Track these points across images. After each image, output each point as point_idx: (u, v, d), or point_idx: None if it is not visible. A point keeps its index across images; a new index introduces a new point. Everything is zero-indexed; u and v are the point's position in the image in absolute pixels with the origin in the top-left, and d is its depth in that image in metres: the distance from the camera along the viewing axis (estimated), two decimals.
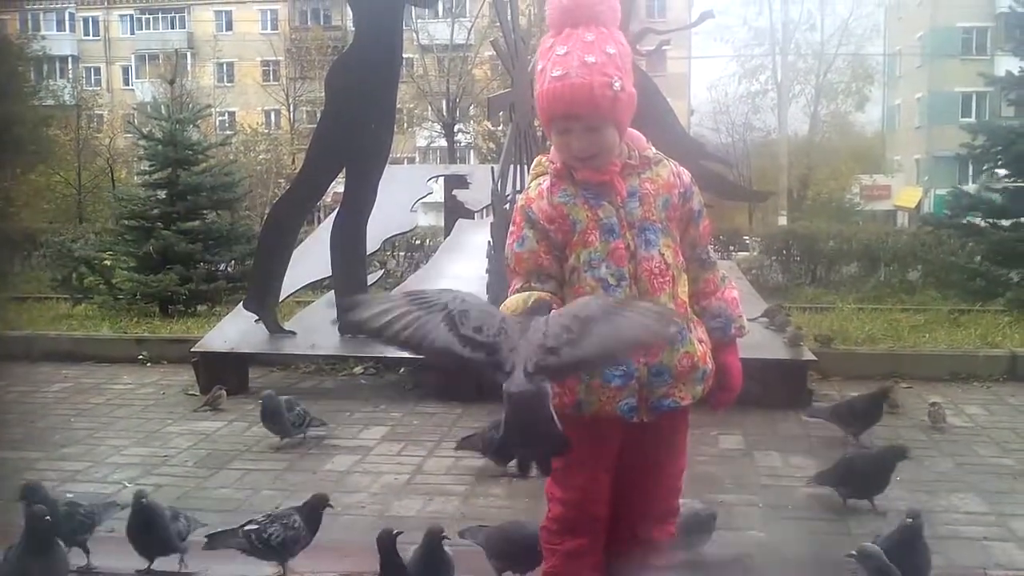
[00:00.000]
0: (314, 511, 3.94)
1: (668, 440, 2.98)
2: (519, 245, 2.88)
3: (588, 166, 2.83)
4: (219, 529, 3.92)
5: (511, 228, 2.95)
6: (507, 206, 7.54)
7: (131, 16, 55.15)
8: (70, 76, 47.00)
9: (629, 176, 2.87)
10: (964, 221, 14.47)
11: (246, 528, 3.81)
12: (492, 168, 8.38)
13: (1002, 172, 14.69)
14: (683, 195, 2.95)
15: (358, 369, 8.10)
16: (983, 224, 13.78)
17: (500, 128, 30.27)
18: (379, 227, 8.16)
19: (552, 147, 2.94)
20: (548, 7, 2.89)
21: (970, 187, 18.91)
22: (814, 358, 7.07)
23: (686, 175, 2.99)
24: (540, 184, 2.92)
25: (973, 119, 32.63)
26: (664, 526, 3.07)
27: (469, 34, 40.52)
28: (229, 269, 12.61)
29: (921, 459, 5.61)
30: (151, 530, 3.90)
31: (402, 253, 16.67)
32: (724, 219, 22.83)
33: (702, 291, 3.02)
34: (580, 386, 2.81)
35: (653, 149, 2.97)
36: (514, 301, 2.82)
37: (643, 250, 2.83)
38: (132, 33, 54.62)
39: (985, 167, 15.44)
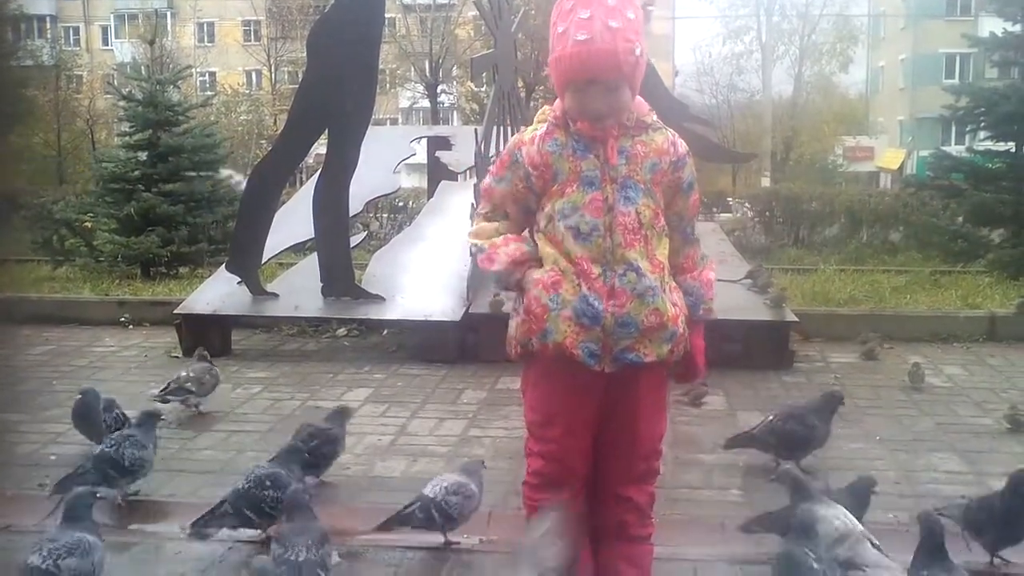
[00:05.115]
0: (477, 474, 3.97)
1: (644, 399, 3.01)
2: (496, 182, 3.04)
3: (600, 125, 2.88)
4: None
5: (498, 161, 3.08)
6: (490, 168, 7.51)
7: None
8: (48, 36, 46.45)
9: (622, 136, 2.91)
10: (947, 182, 14.50)
11: (420, 503, 3.77)
12: (475, 129, 8.35)
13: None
14: (674, 163, 2.97)
15: (341, 331, 8.09)
16: (964, 186, 13.82)
17: (483, 89, 30.14)
18: (362, 189, 8.13)
19: (557, 102, 2.98)
20: None
21: (953, 148, 18.94)
22: (796, 319, 7.10)
23: (682, 146, 3.01)
24: (536, 130, 2.98)
25: (956, 80, 32.63)
26: (644, 487, 3.10)
27: None
28: (211, 231, 12.54)
29: (901, 419, 5.67)
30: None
31: (385, 215, 16.63)
32: (708, 181, 22.84)
33: (681, 266, 3.05)
34: (549, 314, 2.86)
35: (654, 116, 3.00)
36: (487, 229, 3.03)
37: (621, 205, 2.87)
38: None
39: (968, 128, 15.44)
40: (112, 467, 4.14)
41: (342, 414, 4.74)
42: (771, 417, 4.78)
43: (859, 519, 3.52)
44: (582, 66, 2.81)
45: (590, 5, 2.81)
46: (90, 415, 4.98)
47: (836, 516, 3.30)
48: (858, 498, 3.72)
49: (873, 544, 3.27)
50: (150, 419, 4.47)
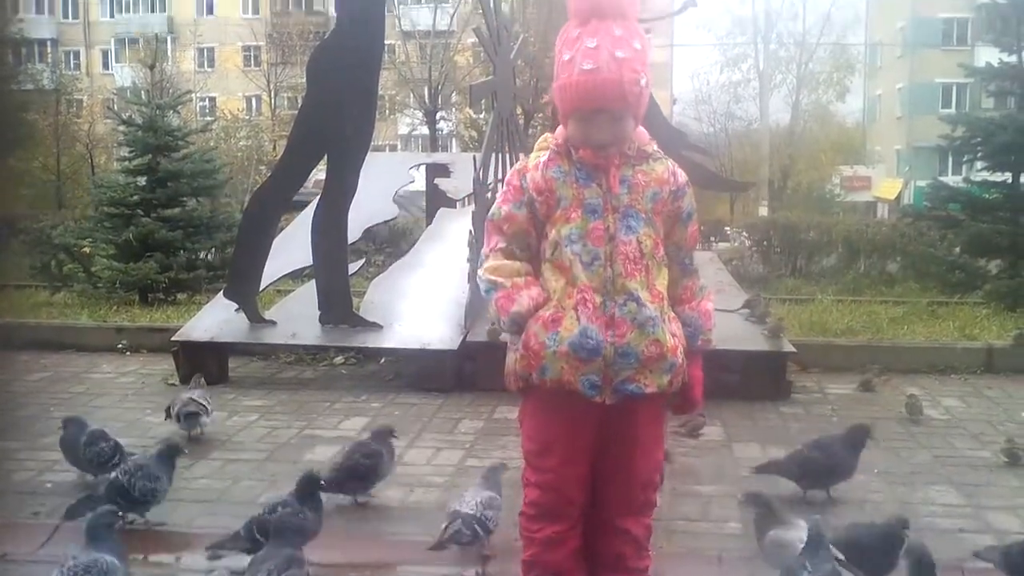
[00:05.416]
0: (498, 483, 4.05)
1: (643, 430, 3.02)
2: (516, 208, 2.98)
3: (603, 153, 2.91)
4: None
5: (506, 189, 3.06)
6: (489, 195, 7.54)
7: None
8: (49, 60, 46.60)
9: (624, 165, 2.94)
10: (944, 213, 14.51)
11: (462, 520, 3.79)
12: (474, 156, 8.36)
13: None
14: (674, 193, 2.99)
15: (339, 359, 8.07)
16: (962, 216, 13.83)
17: (482, 116, 30.20)
18: (360, 216, 8.13)
19: (559, 130, 3.00)
20: None
21: (950, 179, 18.99)
22: (794, 350, 7.10)
23: (682, 176, 3.04)
24: (539, 157, 3.00)
25: (953, 110, 32.79)
26: (641, 518, 3.11)
27: (452, 20, 40.33)
28: (209, 257, 12.54)
29: (898, 451, 5.66)
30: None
31: (383, 242, 16.62)
32: (705, 210, 22.89)
33: (679, 297, 3.06)
34: (546, 352, 2.86)
35: (655, 146, 3.03)
36: (508, 268, 2.95)
37: (622, 234, 2.89)
38: (111, 16, 54.06)
39: (965, 159, 15.48)
40: (122, 496, 4.10)
41: (385, 432, 4.81)
42: (800, 447, 4.85)
43: (890, 563, 3.48)
44: (588, 95, 2.84)
45: (597, 34, 2.84)
46: (74, 446, 4.92)
47: (801, 539, 3.29)
48: (889, 541, 3.60)
49: (839, 561, 3.27)
50: (170, 450, 4.44)
